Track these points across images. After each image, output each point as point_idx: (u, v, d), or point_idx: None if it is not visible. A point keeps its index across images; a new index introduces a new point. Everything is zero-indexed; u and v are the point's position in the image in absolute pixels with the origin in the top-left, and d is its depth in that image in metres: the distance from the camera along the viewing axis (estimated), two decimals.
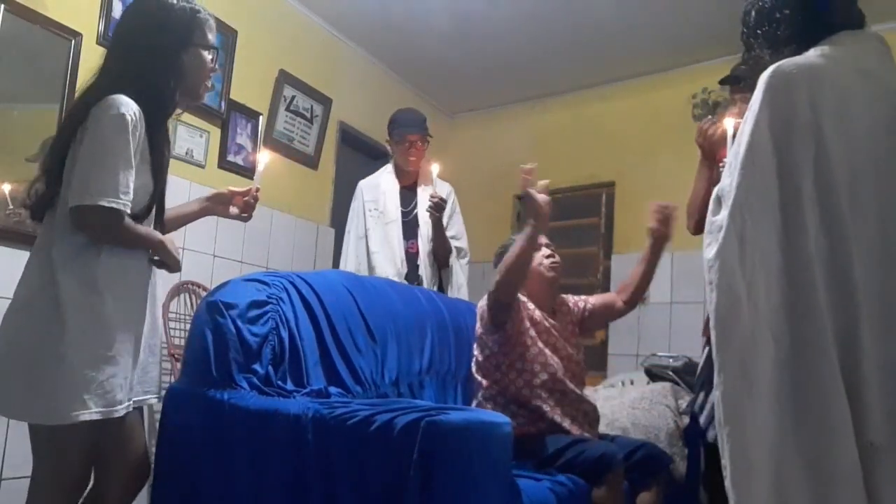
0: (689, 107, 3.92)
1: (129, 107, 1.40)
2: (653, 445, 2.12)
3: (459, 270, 2.94)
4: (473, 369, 2.16)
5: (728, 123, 2.16)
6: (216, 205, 1.81)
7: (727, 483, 1.21)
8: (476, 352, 2.16)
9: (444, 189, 2.95)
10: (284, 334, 1.84)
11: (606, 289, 4.09)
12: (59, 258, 1.40)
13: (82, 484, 1.51)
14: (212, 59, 1.60)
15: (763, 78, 1.26)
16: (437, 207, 2.72)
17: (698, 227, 2.32)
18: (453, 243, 2.92)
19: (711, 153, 2.22)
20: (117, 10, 2.69)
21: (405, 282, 2.79)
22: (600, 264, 4.24)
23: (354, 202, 3.00)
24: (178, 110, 1.61)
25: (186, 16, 1.53)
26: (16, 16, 2.34)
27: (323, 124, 3.82)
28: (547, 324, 2.11)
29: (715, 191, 1.34)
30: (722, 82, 2.51)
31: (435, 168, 2.75)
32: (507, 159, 4.63)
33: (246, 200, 1.82)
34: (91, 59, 2.57)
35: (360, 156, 4.26)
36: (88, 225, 1.39)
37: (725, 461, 1.22)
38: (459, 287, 2.91)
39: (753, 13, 1.44)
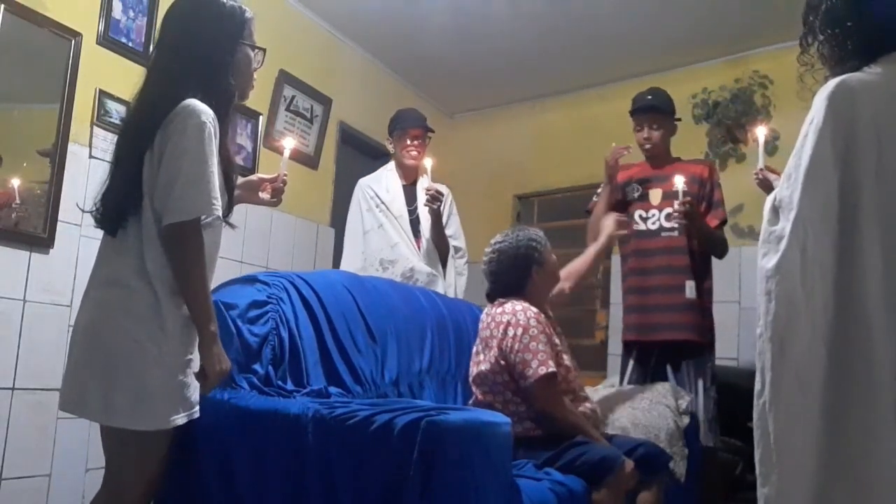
0: (689, 107, 3.92)
1: (208, 114, 1.41)
2: (652, 445, 2.12)
3: (451, 269, 2.95)
4: (475, 377, 2.07)
5: (760, 132, 2.24)
6: (246, 192, 1.85)
7: (769, 491, 1.22)
8: (484, 367, 2.02)
9: (442, 189, 2.95)
10: (284, 334, 1.84)
11: (606, 288, 4.09)
12: (152, 267, 1.40)
13: (155, 485, 1.53)
14: (256, 59, 1.60)
15: (825, 92, 1.26)
16: (433, 199, 2.72)
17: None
18: (451, 242, 2.94)
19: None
20: (117, 10, 2.69)
21: (429, 269, 2.82)
22: (600, 264, 4.23)
23: (355, 199, 2.99)
24: None
25: (237, 14, 1.54)
26: (16, 16, 2.34)
27: (323, 124, 3.82)
28: (553, 330, 2.09)
29: (770, 200, 1.34)
30: (637, 111, 2.82)
31: (428, 162, 2.75)
32: (506, 159, 4.65)
33: (275, 186, 1.87)
34: (91, 59, 2.58)
35: (360, 156, 4.26)
36: (184, 239, 1.39)
37: (768, 469, 1.23)
38: (448, 287, 2.91)
39: (823, 8, 1.39)
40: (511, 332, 1.93)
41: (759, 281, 1.30)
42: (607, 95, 4.33)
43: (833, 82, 1.27)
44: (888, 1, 1.32)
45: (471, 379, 2.10)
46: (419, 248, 2.87)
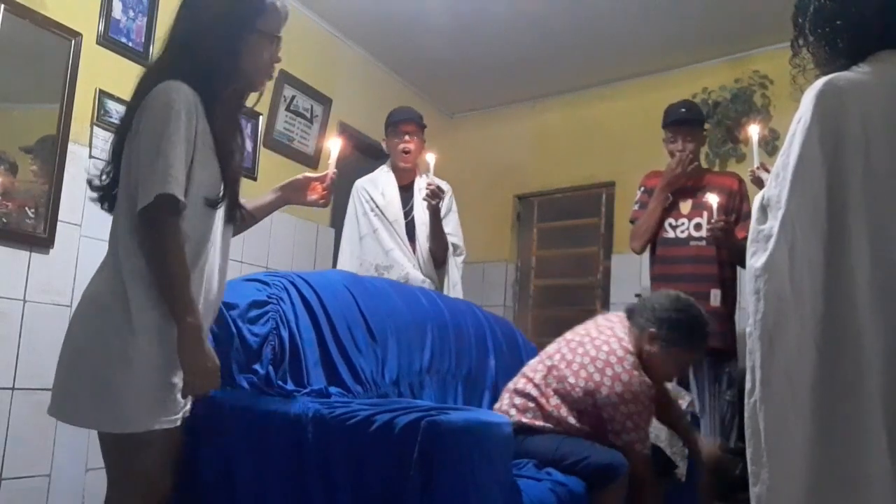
0: None
1: (181, 91, 1.35)
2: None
3: (454, 268, 2.91)
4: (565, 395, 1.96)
5: (753, 131, 2.26)
6: (291, 192, 1.78)
7: (760, 490, 1.22)
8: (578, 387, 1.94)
9: (443, 185, 2.87)
10: (285, 334, 1.84)
11: (606, 289, 4.09)
12: (124, 259, 1.34)
13: (160, 494, 1.42)
14: (269, 48, 1.54)
15: (813, 90, 1.26)
16: (434, 195, 2.64)
17: (643, 249, 2.86)
18: (449, 239, 2.88)
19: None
20: (117, 10, 2.69)
21: (425, 278, 2.78)
22: (600, 264, 4.23)
23: (351, 202, 2.97)
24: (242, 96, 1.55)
25: (255, 0, 1.49)
26: (16, 16, 2.34)
27: (323, 124, 3.82)
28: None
29: (758, 199, 1.34)
30: (672, 124, 2.87)
31: (431, 157, 2.66)
32: (506, 159, 4.65)
33: (325, 186, 1.79)
34: (91, 59, 2.58)
35: (359, 156, 4.26)
36: (152, 224, 1.30)
37: (758, 468, 1.23)
38: (454, 285, 2.88)
39: (812, 9, 1.39)
40: (617, 389, 1.90)
41: (748, 280, 1.30)
42: (607, 95, 4.33)
43: (821, 81, 1.27)
44: None
45: (514, 388, 2.06)
46: (414, 252, 2.83)
